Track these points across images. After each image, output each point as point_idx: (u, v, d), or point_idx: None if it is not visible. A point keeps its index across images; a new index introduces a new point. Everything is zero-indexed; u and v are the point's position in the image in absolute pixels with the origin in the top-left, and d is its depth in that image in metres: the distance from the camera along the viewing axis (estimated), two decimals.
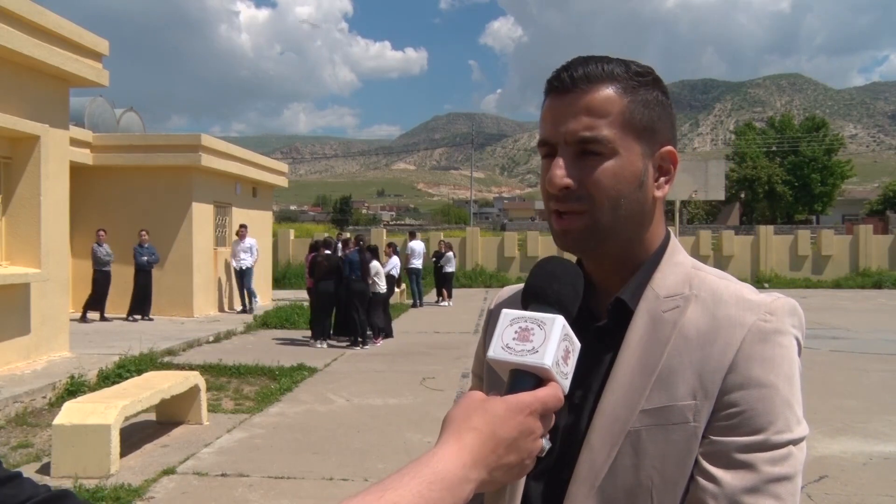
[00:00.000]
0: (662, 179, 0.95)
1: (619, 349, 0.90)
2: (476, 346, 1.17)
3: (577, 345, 0.81)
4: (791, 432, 0.82)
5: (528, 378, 0.77)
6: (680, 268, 0.95)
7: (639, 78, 0.92)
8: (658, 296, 0.92)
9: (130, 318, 13.08)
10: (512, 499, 0.93)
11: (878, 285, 23.99)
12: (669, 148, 0.94)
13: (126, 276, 13.14)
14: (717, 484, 0.81)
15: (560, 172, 0.89)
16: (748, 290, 0.91)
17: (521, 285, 1.15)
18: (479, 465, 0.70)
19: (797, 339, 0.87)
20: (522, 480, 0.92)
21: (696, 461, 0.84)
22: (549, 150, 0.92)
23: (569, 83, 0.90)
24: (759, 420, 0.82)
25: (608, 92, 0.89)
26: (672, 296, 0.91)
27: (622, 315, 0.92)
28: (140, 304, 13.24)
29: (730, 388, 0.84)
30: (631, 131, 0.90)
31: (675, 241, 0.98)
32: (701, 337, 0.87)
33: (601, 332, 0.93)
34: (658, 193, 0.94)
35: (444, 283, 18.57)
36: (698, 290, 0.91)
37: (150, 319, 13.20)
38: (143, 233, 13.20)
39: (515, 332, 0.79)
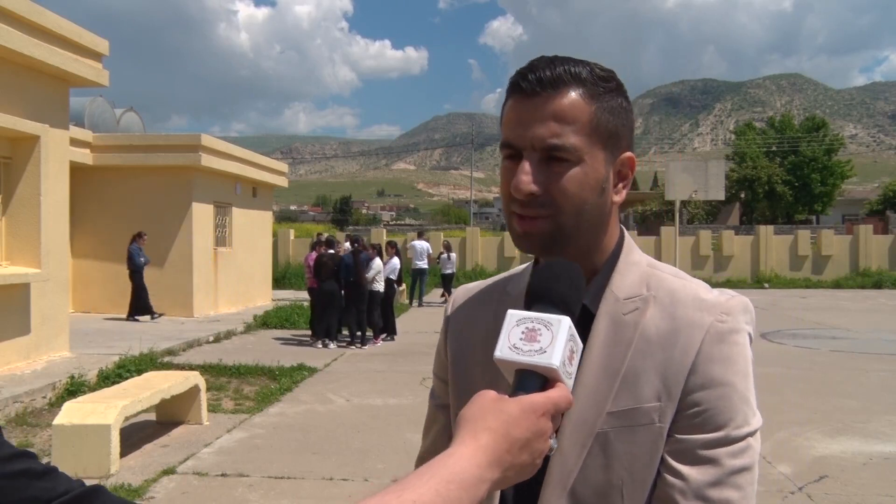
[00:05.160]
0: (621, 185, 0.96)
1: (583, 352, 0.91)
2: (437, 347, 1.15)
3: (580, 345, 0.82)
4: (749, 425, 0.87)
5: (534, 378, 0.78)
6: (636, 267, 0.97)
7: (603, 84, 0.92)
8: (617, 298, 0.94)
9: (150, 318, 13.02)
10: (489, 502, 0.94)
11: (878, 285, 24.00)
12: (629, 154, 0.96)
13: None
14: (683, 479, 0.86)
15: (527, 178, 0.89)
16: (703, 290, 0.95)
17: (476, 284, 1.14)
18: (495, 465, 0.72)
19: (749, 335, 0.92)
20: None
21: (663, 459, 0.88)
22: (513, 152, 0.92)
23: (536, 86, 0.90)
24: (720, 417, 0.87)
25: (575, 97, 0.89)
26: (631, 297, 0.94)
27: (584, 318, 0.93)
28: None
29: (692, 389, 0.88)
30: (597, 138, 0.91)
31: (629, 241, 1.00)
32: (662, 339, 0.90)
33: None
34: (616, 198, 0.96)
35: (444, 284, 18.49)
36: (656, 290, 0.94)
37: (136, 320, 13.08)
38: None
39: (522, 332, 0.79)
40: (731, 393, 0.87)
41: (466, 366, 1.05)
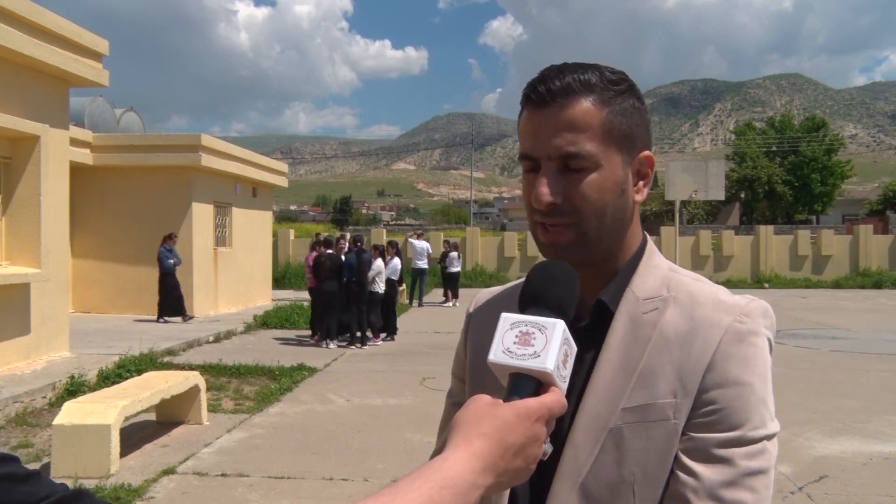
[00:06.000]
0: (641, 184, 0.98)
1: (601, 349, 0.93)
2: (456, 347, 1.16)
3: (574, 348, 0.82)
4: (765, 428, 0.87)
5: (528, 382, 0.77)
6: (657, 271, 0.98)
7: (614, 87, 0.93)
8: (637, 298, 0.95)
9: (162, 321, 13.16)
10: (499, 496, 0.95)
11: (878, 285, 24.00)
12: (647, 153, 0.97)
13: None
14: (696, 478, 0.85)
15: (545, 190, 0.90)
16: (723, 293, 0.95)
17: (499, 288, 1.17)
18: (488, 471, 0.72)
19: (769, 340, 0.92)
20: None
21: (676, 456, 0.87)
22: (531, 164, 0.94)
23: (547, 97, 0.91)
24: (736, 417, 0.86)
25: (586, 104, 0.91)
26: (651, 298, 0.95)
27: (603, 316, 0.95)
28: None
29: (708, 387, 0.87)
30: (612, 142, 0.92)
31: (651, 245, 1.01)
32: (680, 337, 0.91)
33: (582, 332, 0.94)
34: (637, 198, 0.98)
35: (448, 284, 18.36)
36: (676, 292, 0.95)
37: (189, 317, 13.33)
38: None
39: (516, 336, 0.79)
40: (749, 393, 0.87)
41: (482, 366, 1.06)
